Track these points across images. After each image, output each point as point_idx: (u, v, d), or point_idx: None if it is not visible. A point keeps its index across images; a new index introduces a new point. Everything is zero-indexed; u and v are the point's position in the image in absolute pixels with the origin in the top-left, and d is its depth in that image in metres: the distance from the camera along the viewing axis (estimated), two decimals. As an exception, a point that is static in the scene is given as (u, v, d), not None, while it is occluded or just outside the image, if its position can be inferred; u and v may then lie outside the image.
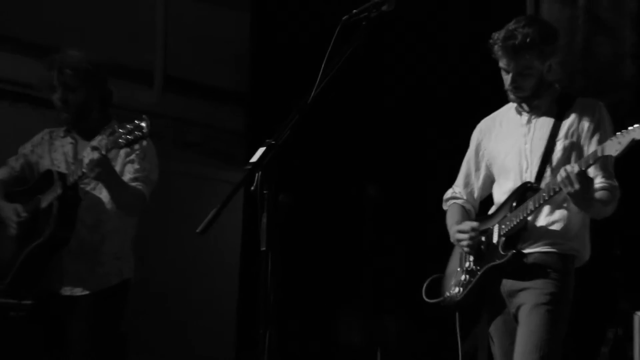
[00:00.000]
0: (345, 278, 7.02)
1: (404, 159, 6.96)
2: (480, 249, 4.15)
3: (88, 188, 4.58)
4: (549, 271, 4.01)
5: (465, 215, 4.34)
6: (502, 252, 4.05)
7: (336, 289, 7.12)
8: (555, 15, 6.87)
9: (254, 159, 3.26)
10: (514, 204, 4.07)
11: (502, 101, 4.28)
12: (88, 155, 4.34)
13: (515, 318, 4.05)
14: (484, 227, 4.17)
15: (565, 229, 4.06)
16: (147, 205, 4.62)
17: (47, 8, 6.99)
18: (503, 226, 4.08)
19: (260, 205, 3.25)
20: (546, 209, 4.05)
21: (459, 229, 4.20)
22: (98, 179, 4.42)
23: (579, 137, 4.07)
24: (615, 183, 4.03)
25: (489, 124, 4.35)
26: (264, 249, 3.23)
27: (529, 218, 4.03)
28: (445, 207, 4.42)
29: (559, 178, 3.84)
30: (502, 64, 4.09)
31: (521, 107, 4.19)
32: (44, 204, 4.54)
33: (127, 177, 4.56)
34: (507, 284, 4.08)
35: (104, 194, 4.55)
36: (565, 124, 4.09)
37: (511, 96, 4.14)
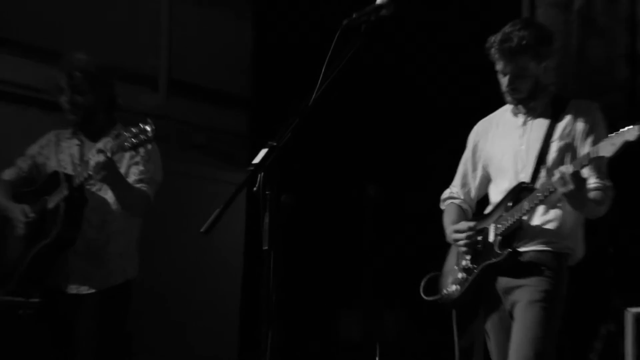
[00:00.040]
0: (346, 277, 7.02)
1: (403, 161, 6.97)
2: (476, 247, 4.16)
3: (94, 189, 4.58)
4: (543, 269, 4.01)
5: (462, 214, 4.34)
6: (498, 251, 4.06)
7: (337, 287, 7.13)
8: (551, 19, 6.88)
9: (257, 160, 3.26)
10: (510, 204, 4.07)
11: (498, 103, 4.28)
12: (94, 158, 4.34)
13: (511, 315, 4.06)
14: (480, 226, 4.17)
15: (559, 228, 4.06)
16: (152, 206, 4.62)
17: (55, 14, 6.99)
18: (499, 225, 4.08)
19: (262, 206, 3.25)
20: (541, 208, 4.05)
21: (455, 229, 4.20)
22: (104, 181, 4.42)
23: (573, 138, 4.08)
24: (609, 183, 4.03)
25: (485, 125, 4.35)
26: (266, 248, 3.23)
27: (525, 217, 4.04)
28: (442, 206, 4.43)
29: (553, 178, 3.84)
30: (498, 66, 4.10)
31: (517, 108, 4.19)
32: (51, 204, 4.54)
33: (132, 178, 4.56)
34: (503, 282, 4.09)
35: (109, 195, 4.55)
36: (560, 126, 4.09)
37: (508, 98, 4.15)
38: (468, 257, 4.18)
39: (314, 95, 3.34)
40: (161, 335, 7.06)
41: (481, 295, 4.18)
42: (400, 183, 6.87)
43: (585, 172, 3.92)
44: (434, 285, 4.34)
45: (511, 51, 4.02)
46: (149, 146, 4.43)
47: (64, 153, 4.70)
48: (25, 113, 6.66)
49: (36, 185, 4.70)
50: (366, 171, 6.91)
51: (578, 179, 3.82)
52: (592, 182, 3.99)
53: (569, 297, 4.06)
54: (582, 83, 6.80)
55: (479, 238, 4.14)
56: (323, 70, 3.35)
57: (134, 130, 4.22)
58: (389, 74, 7.10)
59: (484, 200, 4.35)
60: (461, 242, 4.17)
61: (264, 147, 3.27)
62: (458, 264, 4.22)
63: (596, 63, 6.83)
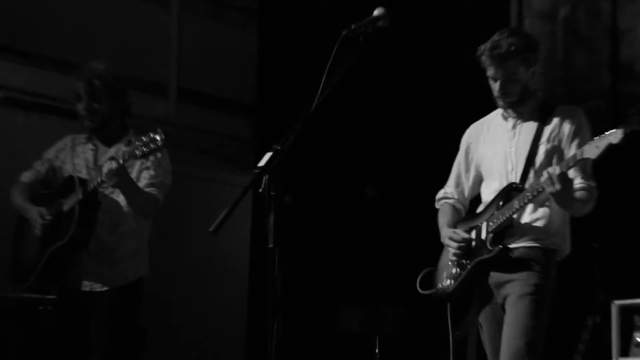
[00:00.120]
0: (346, 271, 7.02)
1: (401, 163, 6.97)
2: (470, 245, 4.15)
3: (107, 192, 4.57)
4: (532, 264, 4.01)
5: (456, 214, 4.33)
6: (490, 247, 4.05)
7: (338, 281, 7.13)
8: (537, 30, 6.89)
9: (262, 163, 3.26)
10: (501, 203, 4.07)
11: (489, 108, 4.28)
12: (107, 165, 4.33)
13: (503, 307, 4.05)
14: (473, 224, 4.17)
15: (547, 225, 4.05)
16: (162, 208, 4.62)
17: (70, 27, 7.00)
18: (491, 223, 4.08)
19: (267, 206, 3.25)
20: (530, 207, 4.05)
21: (450, 236, 4.19)
22: (116, 187, 4.42)
23: (560, 141, 4.07)
24: (594, 184, 4.02)
25: (477, 128, 4.35)
26: (271, 246, 3.23)
27: (515, 216, 4.03)
28: (437, 206, 4.42)
29: (542, 179, 3.84)
30: (489, 72, 4.09)
31: (507, 112, 4.19)
32: (66, 207, 4.53)
33: (142, 182, 4.55)
34: (495, 276, 4.08)
35: (121, 198, 4.54)
36: (548, 129, 4.09)
37: (500, 102, 4.15)
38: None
39: (315, 102, 3.35)
40: (171, 332, 7.06)
41: (474, 289, 4.17)
42: (398, 184, 6.87)
43: (572, 173, 3.92)
44: (430, 280, 4.33)
45: (501, 57, 4.02)
46: (159, 155, 4.43)
47: (79, 157, 4.69)
48: (43, 120, 6.67)
49: (52, 188, 4.69)
50: (366, 173, 6.92)
51: (565, 180, 3.81)
52: (578, 182, 3.99)
53: (557, 290, 4.06)
54: (568, 89, 6.81)
55: (473, 235, 4.14)
56: (323, 79, 3.35)
57: (144, 139, 4.20)
58: (388, 82, 7.11)
59: (476, 199, 4.35)
60: (452, 251, 4.17)
61: (269, 151, 3.27)
62: (452, 259, 4.22)
63: (580, 71, 6.83)
